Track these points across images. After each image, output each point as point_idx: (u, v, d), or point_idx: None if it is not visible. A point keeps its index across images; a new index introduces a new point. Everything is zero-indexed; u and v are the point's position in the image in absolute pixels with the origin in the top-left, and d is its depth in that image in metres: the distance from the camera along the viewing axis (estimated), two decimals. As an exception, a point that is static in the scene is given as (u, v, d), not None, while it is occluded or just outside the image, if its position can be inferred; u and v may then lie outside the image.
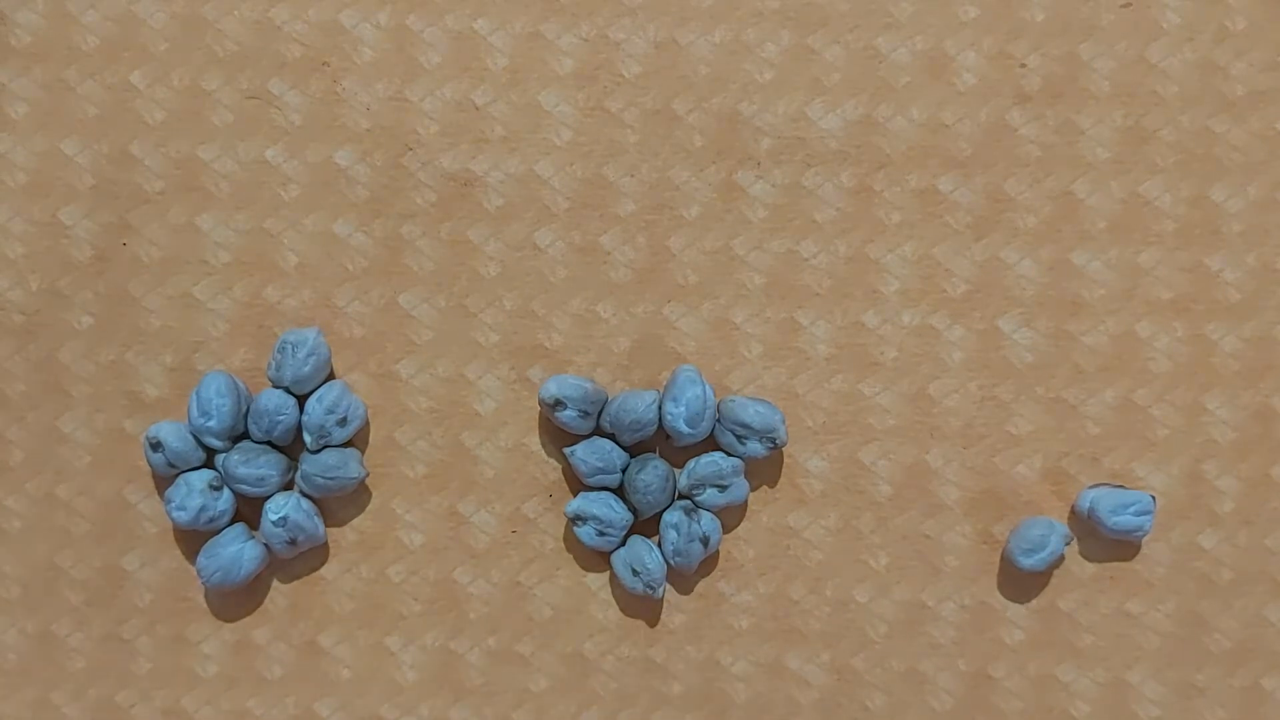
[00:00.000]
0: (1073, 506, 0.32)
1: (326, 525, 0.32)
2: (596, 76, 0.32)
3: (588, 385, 0.30)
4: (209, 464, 0.31)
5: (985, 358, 0.32)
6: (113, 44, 0.32)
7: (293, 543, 0.30)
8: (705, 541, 0.30)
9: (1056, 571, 0.32)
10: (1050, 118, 0.32)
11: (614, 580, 0.32)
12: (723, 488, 0.31)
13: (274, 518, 0.30)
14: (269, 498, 0.31)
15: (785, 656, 0.32)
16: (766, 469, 0.32)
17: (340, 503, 0.32)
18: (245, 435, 0.31)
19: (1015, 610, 0.32)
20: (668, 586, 0.32)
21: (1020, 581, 0.32)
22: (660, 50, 0.32)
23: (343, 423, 0.30)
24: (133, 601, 0.32)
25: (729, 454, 0.31)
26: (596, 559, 0.32)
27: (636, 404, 0.30)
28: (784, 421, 0.31)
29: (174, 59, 0.32)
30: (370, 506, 0.32)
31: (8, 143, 0.32)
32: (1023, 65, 0.32)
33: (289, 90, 0.32)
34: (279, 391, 0.30)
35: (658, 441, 0.32)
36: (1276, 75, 0.32)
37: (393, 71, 0.32)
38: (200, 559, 0.30)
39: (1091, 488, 0.31)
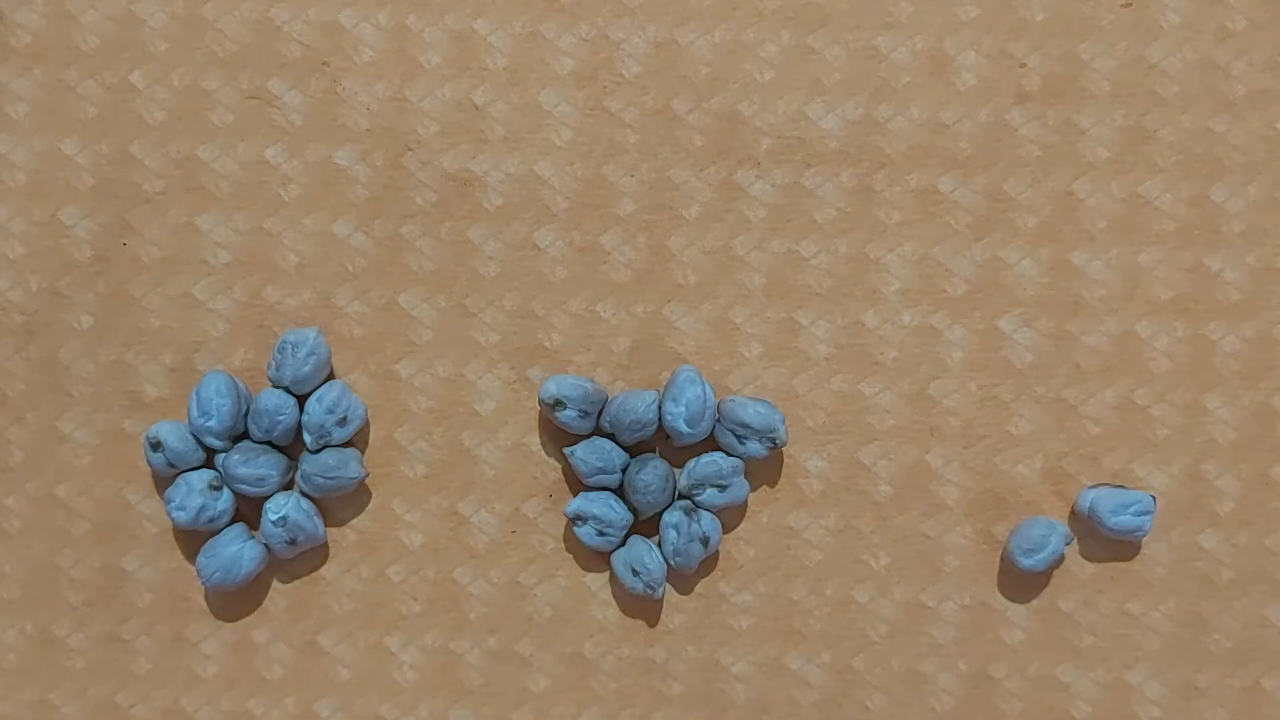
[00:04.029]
0: (1073, 506, 0.32)
1: (326, 525, 0.32)
2: (596, 76, 0.32)
3: (588, 385, 0.30)
4: (209, 464, 0.31)
5: (985, 358, 0.32)
6: (113, 44, 0.32)
7: (293, 543, 0.30)
8: (705, 541, 0.30)
9: (1056, 571, 0.32)
10: (1050, 118, 0.32)
11: (614, 580, 0.32)
12: (723, 488, 0.31)
13: (274, 518, 0.30)
14: (269, 498, 0.31)
15: (785, 656, 0.32)
16: (766, 469, 0.32)
17: (340, 503, 0.32)
18: (245, 435, 0.31)
19: (1015, 610, 0.32)
20: (668, 586, 0.32)
21: (1020, 581, 0.32)
22: (660, 50, 0.32)
23: (343, 423, 0.30)
24: (133, 601, 0.32)
25: (729, 454, 0.31)
26: (596, 559, 0.32)
27: (636, 404, 0.30)
28: (784, 421, 0.31)
29: (174, 59, 0.32)
30: (370, 506, 0.32)
31: (8, 143, 0.32)
32: (1023, 65, 0.32)
33: (289, 90, 0.32)
34: (279, 391, 0.30)
35: (658, 441, 0.32)
36: (1276, 75, 0.32)
37: (393, 71, 0.32)
38: (200, 559, 0.30)
39: (1091, 488, 0.31)
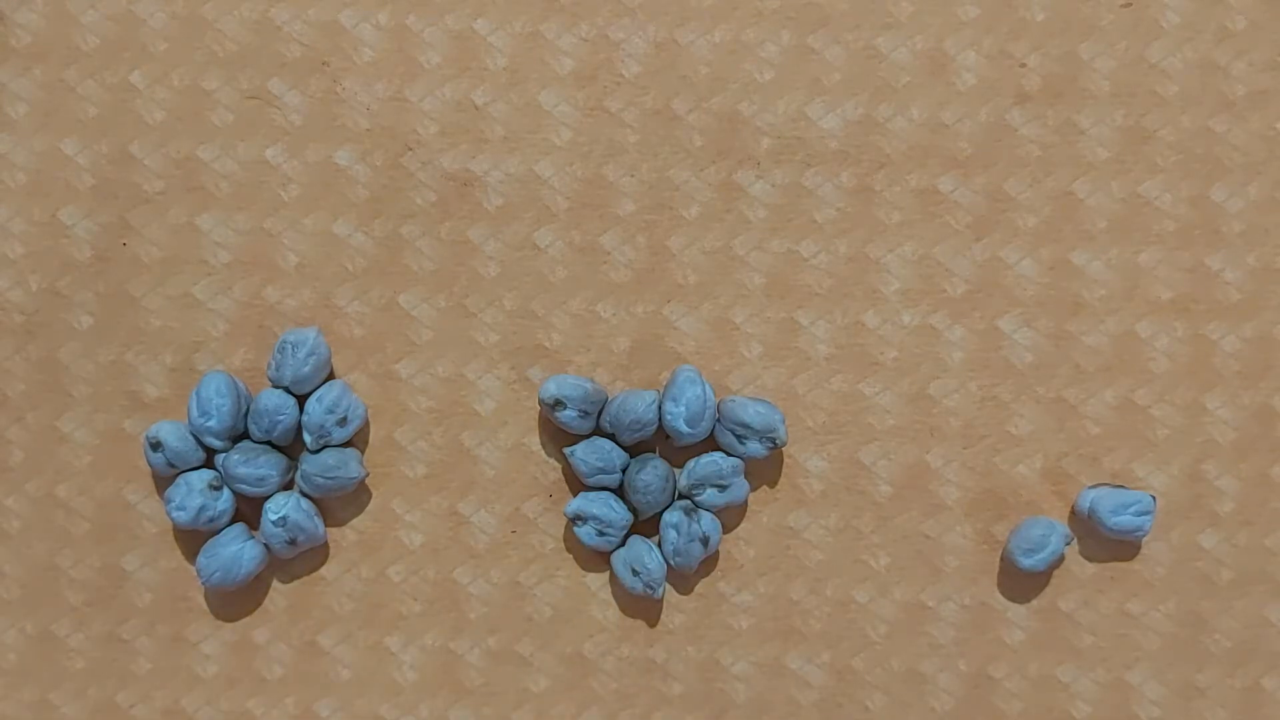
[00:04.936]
0: (1073, 506, 0.32)
1: (326, 525, 0.32)
2: (596, 76, 0.32)
3: (588, 385, 0.30)
4: (209, 464, 0.31)
5: (985, 358, 0.32)
6: (113, 44, 0.32)
7: (293, 543, 0.30)
8: (705, 541, 0.30)
9: (1056, 571, 0.32)
10: (1050, 118, 0.32)
11: (614, 580, 0.32)
12: (723, 488, 0.31)
13: (274, 518, 0.30)
14: (269, 498, 0.31)
15: (785, 656, 0.32)
16: (766, 469, 0.32)
17: (340, 503, 0.32)
18: (245, 435, 0.31)
19: (1015, 610, 0.32)
20: (668, 586, 0.32)
21: (1020, 581, 0.32)
22: (660, 50, 0.32)
23: (343, 423, 0.30)
24: (133, 601, 0.32)
25: (729, 454, 0.31)
26: (596, 559, 0.32)
27: (636, 404, 0.30)
28: (784, 421, 0.31)
29: (174, 59, 0.32)
30: (370, 506, 0.32)
31: (8, 143, 0.32)
32: (1023, 65, 0.32)
33: (289, 90, 0.32)
34: (279, 391, 0.30)
35: (658, 441, 0.32)
36: (1276, 75, 0.32)
37: (393, 71, 0.32)
38: (200, 559, 0.30)
39: (1091, 488, 0.31)
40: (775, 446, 0.31)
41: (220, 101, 0.32)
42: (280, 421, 0.30)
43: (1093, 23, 0.32)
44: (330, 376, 0.32)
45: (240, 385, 0.31)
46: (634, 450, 0.32)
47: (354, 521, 0.32)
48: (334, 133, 0.32)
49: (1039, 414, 0.32)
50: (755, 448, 0.31)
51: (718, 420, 0.31)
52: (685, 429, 0.30)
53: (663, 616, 0.32)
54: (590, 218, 0.32)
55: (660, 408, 0.31)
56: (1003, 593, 0.32)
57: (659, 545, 0.31)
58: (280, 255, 0.32)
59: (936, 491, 0.32)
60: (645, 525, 0.32)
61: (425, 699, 0.31)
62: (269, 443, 0.31)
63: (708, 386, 0.30)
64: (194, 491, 0.30)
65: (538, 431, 0.32)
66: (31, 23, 0.32)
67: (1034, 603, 0.32)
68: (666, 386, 0.31)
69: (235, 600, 0.32)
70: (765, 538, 0.32)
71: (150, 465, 0.31)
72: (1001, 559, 0.32)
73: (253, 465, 0.30)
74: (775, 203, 0.32)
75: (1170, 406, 0.32)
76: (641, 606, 0.32)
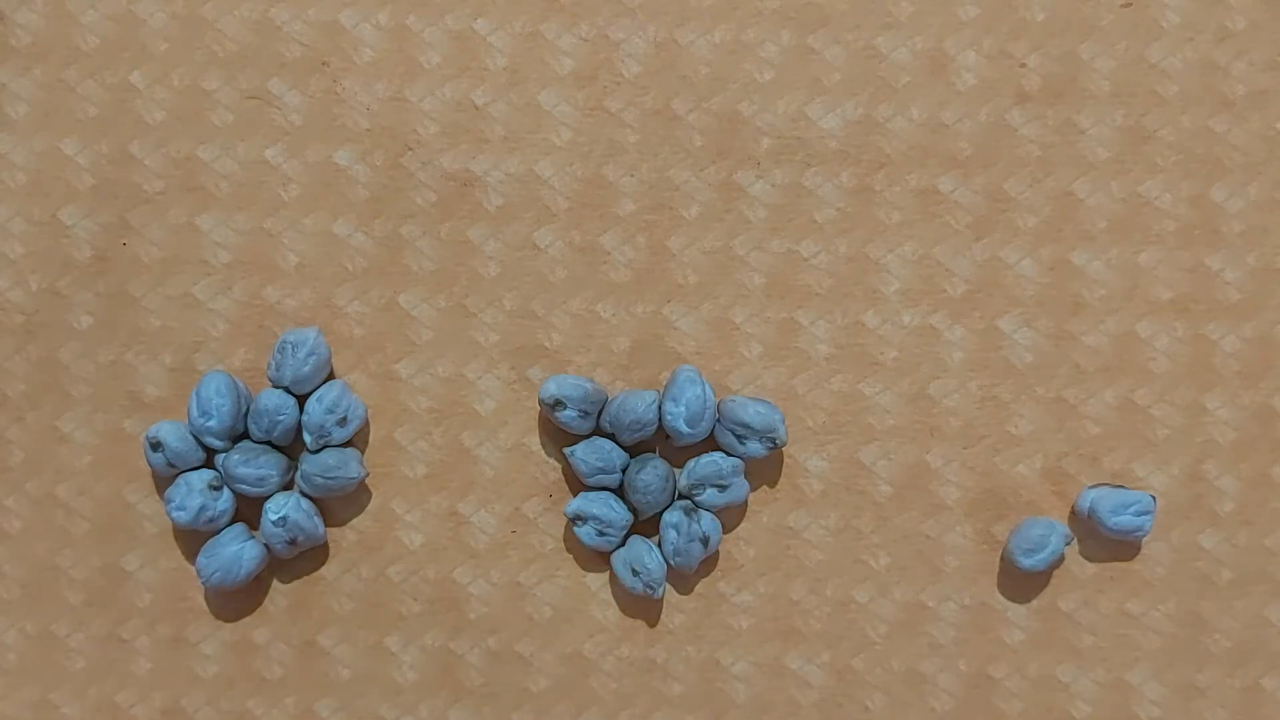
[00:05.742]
0: (1073, 506, 0.32)
1: (326, 525, 0.32)
2: (596, 76, 0.32)
3: (588, 385, 0.30)
4: (209, 464, 0.31)
5: (985, 358, 0.32)
6: (113, 44, 0.32)
7: (293, 543, 0.30)
8: (705, 541, 0.30)
9: (1056, 572, 0.32)
10: (1050, 118, 0.32)
11: (614, 580, 0.32)
12: (723, 488, 0.31)
13: (274, 518, 0.30)
14: (269, 498, 0.31)
15: (785, 656, 0.32)
16: (766, 469, 0.32)
17: (340, 503, 0.32)
18: (245, 435, 0.31)
19: (1015, 610, 0.32)
20: (668, 586, 0.32)
21: (1020, 581, 0.32)
22: (660, 50, 0.32)
23: (343, 423, 0.30)
24: (133, 601, 0.32)
25: (729, 454, 0.31)
26: (596, 559, 0.32)
27: (636, 404, 0.30)
28: (784, 421, 0.31)
29: (174, 59, 0.32)
30: (370, 506, 0.32)
31: (8, 143, 0.32)
32: (1023, 65, 0.32)
33: (289, 90, 0.32)
34: (279, 391, 0.30)
35: (658, 441, 0.32)
36: (1276, 75, 0.32)
37: (393, 71, 0.32)
38: (200, 559, 0.30)
39: (1091, 488, 0.31)
40: (775, 446, 0.31)
41: (220, 101, 0.32)
42: (280, 421, 0.30)
43: (1093, 23, 0.32)
44: (330, 376, 0.32)
45: (240, 385, 0.31)
46: (634, 450, 0.32)
47: (354, 521, 0.32)
48: (334, 133, 0.32)
49: (1039, 414, 0.32)
50: (755, 448, 0.31)
51: (718, 420, 0.31)
52: (685, 429, 0.30)
53: (663, 616, 0.32)
54: (590, 218, 0.32)
55: (660, 408, 0.31)
56: (1003, 593, 0.32)
57: (659, 545, 0.31)
58: (280, 255, 0.32)
59: (936, 491, 0.32)
60: (645, 525, 0.32)
61: (425, 699, 0.31)
62: (269, 443, 0.31)
63: (708, 386, 0.30)
64: (194, 491, 0.30)
65: (538, 431, 0.32)
66: (31, 23, 0.32)
67: (1034, 603, 0.32)
68: (666, 386, 0.31)
69: (235, 600, 0.32)
70: (765, 538, 0.32)
71: (150, 465, 0.31)
72: (1001, 559, 0.32)
73: (253, 465, 0.30)
74: (775, 203, 0.32)
75: (1170, 406, 0.32)
76: (641, 606, 0.32)
